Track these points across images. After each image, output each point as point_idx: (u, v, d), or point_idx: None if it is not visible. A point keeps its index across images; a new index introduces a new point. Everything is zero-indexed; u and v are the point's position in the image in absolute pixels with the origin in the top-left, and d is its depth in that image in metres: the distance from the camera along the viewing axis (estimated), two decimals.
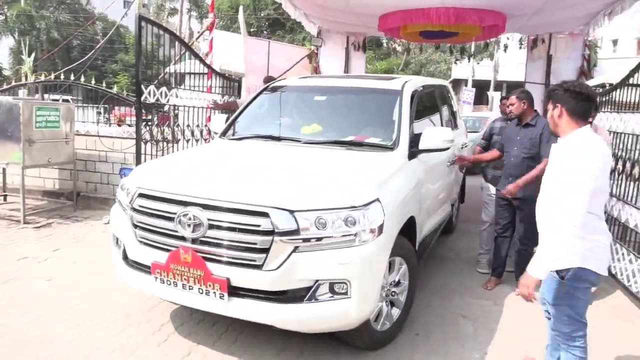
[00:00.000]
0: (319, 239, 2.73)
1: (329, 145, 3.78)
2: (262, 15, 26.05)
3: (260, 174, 3.18)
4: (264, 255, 2.70)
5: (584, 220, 2.29)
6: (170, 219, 2.90)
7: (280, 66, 10.06)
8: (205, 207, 2.83)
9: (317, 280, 2.74)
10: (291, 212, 2.72)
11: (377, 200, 2.94)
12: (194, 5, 26.73)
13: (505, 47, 12.08)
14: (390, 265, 3.30)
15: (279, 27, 25.70)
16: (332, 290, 2.78)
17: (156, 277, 2.95)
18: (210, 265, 2.78)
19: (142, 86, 5.53)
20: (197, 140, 6.57)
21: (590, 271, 2.41)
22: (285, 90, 4.54)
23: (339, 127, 4.10)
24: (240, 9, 9.51)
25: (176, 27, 24.54)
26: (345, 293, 2.78)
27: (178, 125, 6.43)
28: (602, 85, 8.56)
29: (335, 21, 10.02)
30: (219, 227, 2.79)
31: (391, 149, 3.70)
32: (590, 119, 4.94)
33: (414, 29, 7.72)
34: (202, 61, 6.85)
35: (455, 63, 30.14)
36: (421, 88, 4.55)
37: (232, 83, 7.57)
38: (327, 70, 10.70)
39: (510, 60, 22.98)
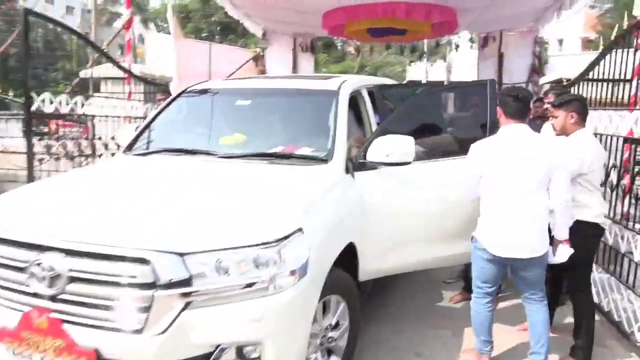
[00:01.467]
0: (219, 290, 2.03)
1: (251, 159, 3.07)
2: (212, 19, 25.07)
3: (147, 204, 2.42)
4: (145, 315, 1.98)
5: None
6: (22, 270, 2.13)
7: (224, 70, 9.29)
8: (67, 252, 2.07)
9: (219, 345, 2.04)
10: (180, 255, 2.01)
11: (300, 230, 2.26)
12: (137, 8, 25.49)
13: (457, 46, 11.72)
14: (325, 307, 2.63)
15: (230, 31, 24.80)
16: (240, 356, 2.08)
17: (7, 347, 2.17)
18: (73, 332, 2.03)
19: (33, 93, 4.71)
20: (113, 155, 5.76)
21: None
22: (203, 95, 3.81)
23: (265, 136, 3.41)
24: (169, 7, 8.59)
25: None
26: (259, 358, 2.09)
27: (99, 138, 5.60)
28: (559, 81, 8.24)
29: (280, 21, 9.33)
30: (83, 280, 2.04)
31: (325, 161, 3.03)
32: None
33: (360, 26, 7.12)
34: (115, 64, 5.98)
35: (409, 65, 30.14)
36: (364, 89, 3.91)
37: (157, 89, 6.75)
38: (274, 73, 10.01)
39: (462, 61, 22.87)
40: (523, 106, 2.81)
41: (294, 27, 9.70)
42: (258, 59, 10.30)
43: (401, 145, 2.96)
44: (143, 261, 1.98)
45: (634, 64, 5.16)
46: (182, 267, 1.99)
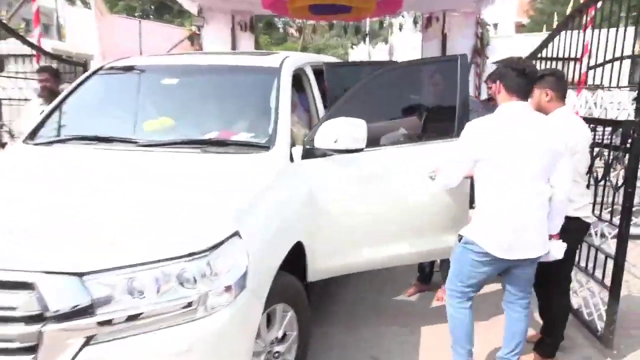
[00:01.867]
0: (133, 317, 1.58)
1: (180, 147, 2.60)
2: None
3: (41, 210, 1.90)
4: (31, 357, 1.51)
5: None
6: None
7: (157, 49, 8.57)
8: None
9: None
10: (78, 275, 1.54)
11: (236, 235, 1.85)
12: None
13: (401, 26, 11.48)
14: (269, 318, 2.24)
15: (166, 10, 23.47)
16: None
17: None
18: None
19: None
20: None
21: None
22: (124, 73, 3.25)
23: (196, 120, 2.92)
24: None
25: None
26: None
27: (2, 125, 4.83)
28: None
29: None
30: None
31: (266, 148, 2.60)
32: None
33: (302, 3, 6.66)
34: (19, 38, 5.15)
35: (352, 47, 29.88)
36: (308, 66, 3.50)
37: (75, 68, 5.95)
38: None
39: (404, 44, 22.86)
40: (528, 82, 2.40)
41: (232, 4, 9.07)
42: (194, 38, 9.61)
43: (351, 129, 2.57)
44: (26, 286, 1.49)
45: (583, 42, 5.07)
46: (80, 290, 1.52)
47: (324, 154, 2.70)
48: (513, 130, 2.33)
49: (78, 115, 3.05)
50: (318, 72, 3.83)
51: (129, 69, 3.27)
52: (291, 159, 2.69)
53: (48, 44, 6.71)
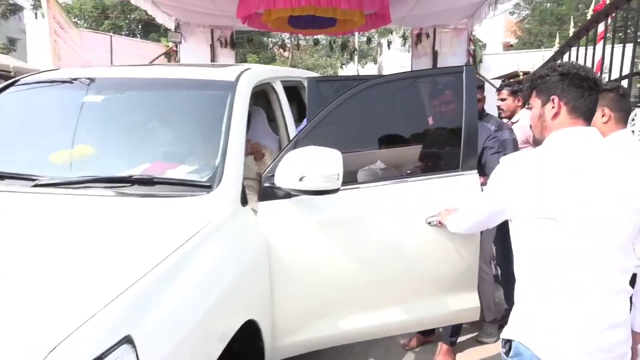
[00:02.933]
0: None
1: (89, 187, 1.89)
2: (132, 17, 22.99)
3: None
4: None
5: None
6: None
7: None
8: None
9: None
10: None
11: (126, 341, 1.14)
12: None
13: (389, 42, 10.94)
14: None
15: (153, 29, 22.90)
16: None
17: None
18: None
19: None
20: None
21: None
22: (40, 88, 2.54)
23: (125, 148, 2.22)
24: None
25: None
26: None
27: None
28: (514, 75, 7.56)
29: (193, 11, 8.07)
30: None
31: (207, 188, 1.90)
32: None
33: (279, 14, 6.03)
34: None
35: (341, 67, 29.47)
36: (277, 81, 2.82)
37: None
38: None
39: (393, 63, 22.46)
40: (595, 100, 1.54)
41: (212, 19, 8.48)
42: (171, 54, 8.97)
43: (323, 163, 1.87)
44: None
45: (593, 57, 4.48)
46: None
47: (287, 194, 2.01)
48: (586, 173, 1.44)
49: None
50: (291, 89, 3.18)
51: (46, 83, 2.56)
52: (243, 202, 1.99)
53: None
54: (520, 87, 3.65)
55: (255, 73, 2.54)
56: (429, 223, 2.18)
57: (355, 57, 20.91)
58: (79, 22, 23.60)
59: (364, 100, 2.34)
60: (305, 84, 2.73)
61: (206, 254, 1.59)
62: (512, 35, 32.38)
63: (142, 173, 1.99)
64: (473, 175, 2.29)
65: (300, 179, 1.89)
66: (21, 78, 2.67)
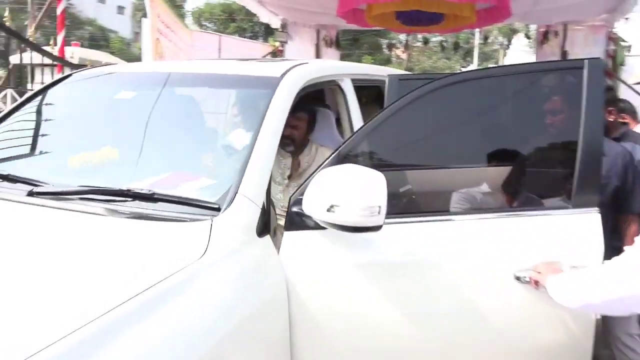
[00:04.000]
0: None
1: (87, 201, 1.56)
2: (255, 20, 23.89)
3: None
4: None
5: None
6: None
7: None
8: None
9: None
10: None
11: None
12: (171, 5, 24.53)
13: (508, 43, 9.78)
14: None
15: (274, 31, 23.65)
16: None
17: None
18: None
19: None
20: None
21: None
22: (85, 85, 2.32)
23: (150, 152, 1.88)
24: None
25: None
26: None
27: None
28: None
29: (299, 9, 7.85)
30: None
31: (215, 210, 1.47)
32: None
33: (384, 9, 5.50)
34: (35, 48, 4.52)
35: (460, 70, 27.91)
36: (346, 79, 2.33)
37: None
38: None
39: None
40: None
41: (317, 18, 8.20)
42: (277, 54, 8.87)
43: (359, 188, 1.33)
44: None
45: None
46: None
47: (319, 224, 1.51)
48: None
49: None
50: (364, 89, 2.67)
51: (92, 79, 2.34)
52: (263, 230, 1.53)
53: (81, 54, 6.22)
54: None
55: (311, 69, 2.07)
56: (518, 279, 1.53)
57: (474, 59, 19.52)
58: (209, 25, 25.22)
59: (440, 100, 1.75)
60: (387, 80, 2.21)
61: (188, 299, 1.16)
62: None
63: (153, 184, 1.63)
64: (592, 216, 1.60)
65: (329, 209, 1.38)
66: (74, 73, 2.50)
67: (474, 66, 21.91)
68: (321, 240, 1.53)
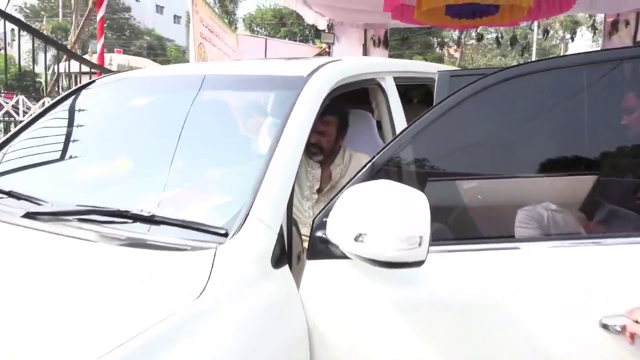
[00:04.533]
0: None
1: (85, 222, 1.36)
2: (306, 23, 23.86)
3: None
4: None
5: None
6: None
7: None
8: None
9: None
10: None
11: None
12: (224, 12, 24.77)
13: (573, 35, 9.01)
14: None
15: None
16: None
17: None
18: None
19: None
20: None
21: None
22: (106, 91, 2.16)
23: (160, 166, 1.66)
24: None
25: None
26: None
27: None
28: None
29: (346, 9, 7.58)
30: None
31: (222, 236, 1.22)
32: None
33: (435, 4, 5.11)
34: (73, 56, 4.48)
35: None
36: (388, 77, 2.03)
37: None
38: None
39: None
40: None
41: (365, 16, 7.90)
42: (323, 55, 8.65)
43: (394, 214, 1.05)
44: None
45: None
46: None
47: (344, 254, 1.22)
48: None
49: (24, 152, 2.02)
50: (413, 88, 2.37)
51: (113, 85, 2.17)
52: (279, 260, 1.26)
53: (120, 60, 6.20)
54: None
55: (344, 67, 1.79)
56: (606, 327, 1.18)
57: (533, 55, 18.44)
58: (260, 30, 25.45)
59: (499, 97, 1.42)
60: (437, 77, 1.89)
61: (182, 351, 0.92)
62: None
63: (159, 202, 1.41)
64: None
65: (357, 238, 1.09)
66: (99, 78, 2.36)
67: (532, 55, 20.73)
68: (351, 271, 1.25)
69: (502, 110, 1.48)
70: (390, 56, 9.13)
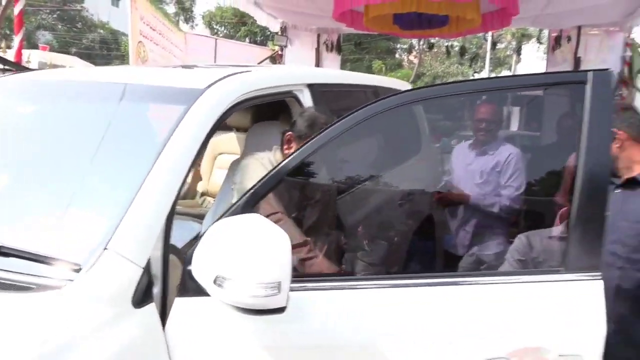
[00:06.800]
0: None
1: None
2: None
3: None
4: None
5: None
6: None
7: None
8: None
9: None
10: None
11: None
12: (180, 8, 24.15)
13: (519, 50, 9.26)
14: None
15: None
16: None
17: None
18: None
19: None
20: None
21: None
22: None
23: (37, 182, 1.49)
24: None
25: None
26: None
27: None
28: None
29: (299, 12, 7.47)
30: None
31: (76, 272, 1.07)
32: None
33: (380, 11, 5.07)
34: None
35: (472, 76, 27.22)
36: (297, 91, 1.92)
37: None
38: None
39: (530, 72, 20.03)
40: None
41: (317, 21, 7.83)
42: (276, 58, 8.52)
43: (251, 256, 0.94)
44: None
45: None
46: None
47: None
48: None
49: None
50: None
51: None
52: (144, 297, 1.13)
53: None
54: None
55: (251, 79, 1.67)
56: None
57: (487, 65, 18.93)
58: (220, 28, 24.96)
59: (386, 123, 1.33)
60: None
61: None
62: None
63: (12, 230, 1.25)
64: (594, 284, 1.17)
65: (215, 282, 0.97)
66: None
67: (485, 72, 21.27)
68: (219, 310, 1.12)
69: (390, 136, 1.39)
70: (348, 61, 9.10)
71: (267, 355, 1.11)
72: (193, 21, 24.02)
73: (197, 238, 1.72)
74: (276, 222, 1.02)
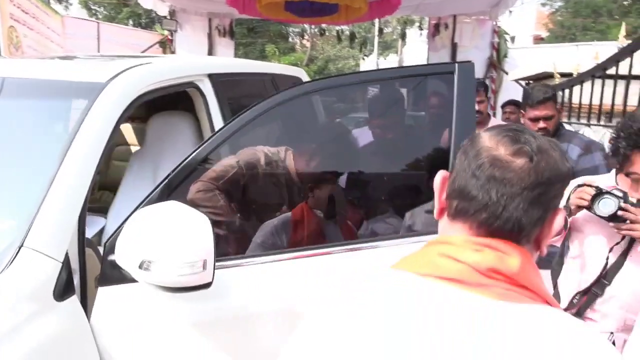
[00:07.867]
0: None
1: None
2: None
3: None
4: None
5: None
6: None
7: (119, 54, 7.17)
8: None
9: None
10: None
11: None
12: None
13: (403, 34, 9.93)
14: None
15: None
16: None
17: None
18: None
19: None
20: None
21: None
22: None
23: None
24: None
25: None
26: None
27: None
28: (549, 75, 6.40)
29: None
30: None
31: None
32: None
33: None
34: None
35: (363, 59, 28.32)
36: (198, 81, 1.98)
37: None
38: None
39: (417, 56, 21.36)
40: None
41: (208, 5, 7.67)
42: (166, 43, 8.22)
43: (176, 238, 1.04)
44: None
45: None
46: None
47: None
48: None
49: None
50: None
51: None
52: (66, 290, 1.16)
53: None
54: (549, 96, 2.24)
55: (152, 71, 1.70)
56: None
57: (375, 49, 19.84)
58: (99, 9, 23.17)
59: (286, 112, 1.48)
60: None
61: None
62: (544, 28, 30.62)
63: None
64: None
65: (142, 266, 1.05)
66: None
67: (374, 55, 22.30)
68: (145, 295, 1.20)
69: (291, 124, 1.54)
70: (240, 45, 9.03)
71: (193, 332, 1.21)
72: (67, 1, 21.99)
73: (102, 231, 1.75)
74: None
